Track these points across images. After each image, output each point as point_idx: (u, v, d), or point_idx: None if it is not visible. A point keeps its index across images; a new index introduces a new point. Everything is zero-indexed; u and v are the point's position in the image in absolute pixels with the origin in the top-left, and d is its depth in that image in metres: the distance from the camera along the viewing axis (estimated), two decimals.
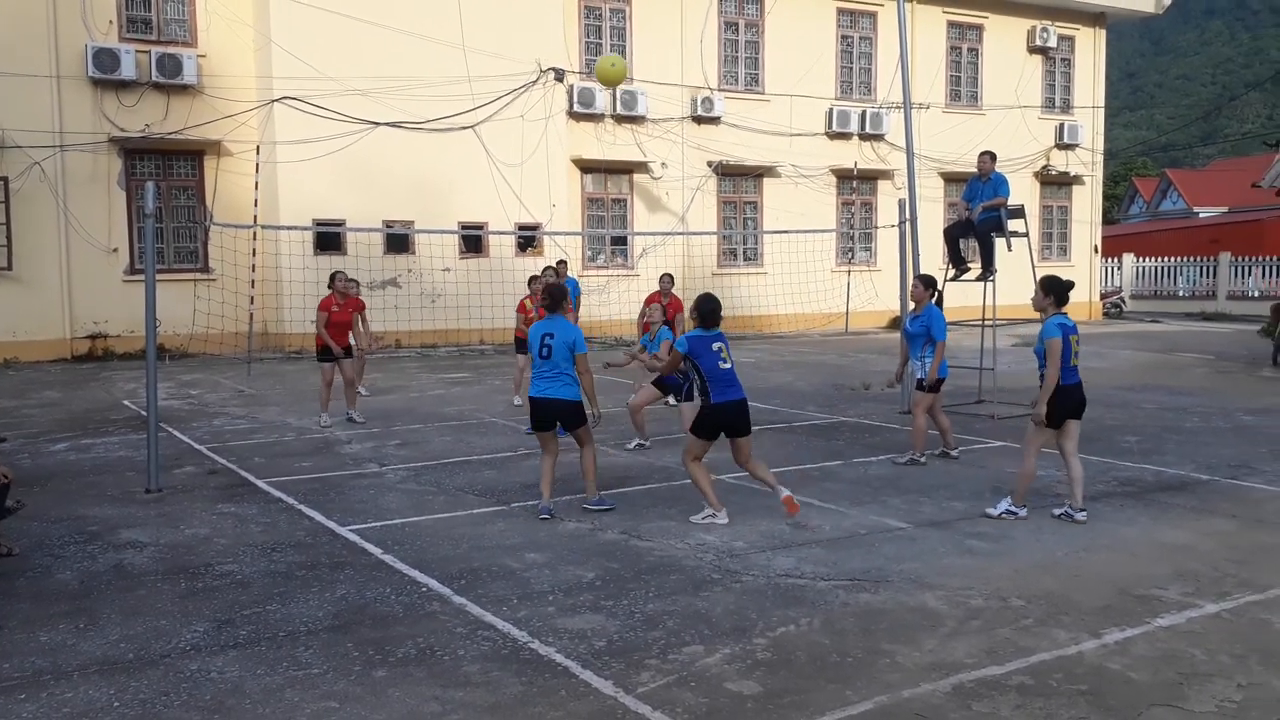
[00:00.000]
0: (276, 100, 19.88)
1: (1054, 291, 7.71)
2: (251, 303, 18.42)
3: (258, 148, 19.99)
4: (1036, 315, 7.91)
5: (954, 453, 10.03)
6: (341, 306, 12.30)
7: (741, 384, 7.75)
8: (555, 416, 7.94)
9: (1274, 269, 32.68)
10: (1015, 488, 7.75)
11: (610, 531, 7.42)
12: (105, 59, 19.19)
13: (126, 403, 14.15)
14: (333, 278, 12.50)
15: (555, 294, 8.21)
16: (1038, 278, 8.08)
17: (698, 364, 7.59)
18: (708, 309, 7.71)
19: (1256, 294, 32.67)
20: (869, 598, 5.96)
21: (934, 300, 9.96)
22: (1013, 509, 7.67)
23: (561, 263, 15.07)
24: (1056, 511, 7.71)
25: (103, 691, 4.74)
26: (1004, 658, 5.05)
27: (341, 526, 7.59)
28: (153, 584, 6.31)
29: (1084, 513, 7.63)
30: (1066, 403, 7.54)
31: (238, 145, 20.41)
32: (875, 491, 8.62)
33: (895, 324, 13.88)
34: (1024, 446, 7.81)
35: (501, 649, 5.23)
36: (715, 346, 7.60)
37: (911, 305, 10.15)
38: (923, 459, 9.70)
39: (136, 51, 19.50)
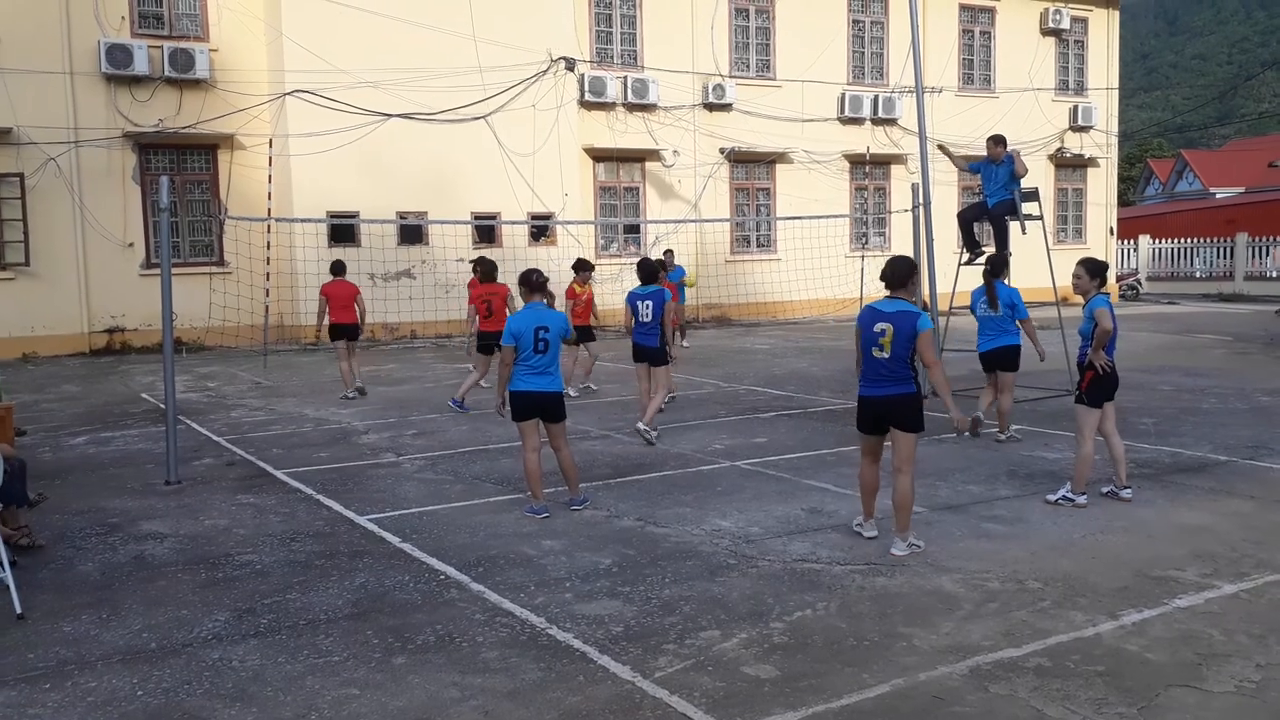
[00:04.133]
0: (288, 93, 19.93)
1: (1099, 274, 7.69)
2: (267, 295, 18.50)
3: (270, 141, 20.05)
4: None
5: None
6: None
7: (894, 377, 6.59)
8: (544, 410, 7.57)
9: None
10: (1075, 474, 7.59)
11: (626, 518, 7.44)
12: (118, 54, 19.28)
13: (145, 395, 14.24)
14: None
15: (536, 280, 7.70)
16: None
17: (860, 344, 6.63)
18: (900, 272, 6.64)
19: (1274, 274, 32.47)
20: (885, 581, 5.97)
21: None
22: (1069, 495, 7.54)
23: (668, 251, 16.31)
24: (1104, 489, 7.75)
25: (126, 681, 4.80)
26: (1021, 640, 5.06)
27: (360, 516, 7.64)
28: (173, 574, 6.37)
29: (1129, 490, 7.67)
30: (1112, 379, 7.52)
31: (251, 139, 20.49)
32: (890, 476, 8.60)
33: None
34: (1078, 432, 7.67)
35: (520, 635, 5.26)
36: (879, 327, 6.46)
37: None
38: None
39: (149, 47, 19.58)
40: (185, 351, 19.10)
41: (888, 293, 6.62)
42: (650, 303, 10.35)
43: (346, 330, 13.62)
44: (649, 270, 10.62)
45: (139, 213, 20.09)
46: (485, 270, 12.44)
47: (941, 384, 6.52)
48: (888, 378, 6.48)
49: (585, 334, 13.39)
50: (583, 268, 13.50)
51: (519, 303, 8.34)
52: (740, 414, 11.94)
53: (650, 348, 10.47)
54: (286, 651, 5.11)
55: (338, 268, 13.95)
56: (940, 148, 14.33)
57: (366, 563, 6.51)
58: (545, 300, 7.80)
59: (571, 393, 13.31)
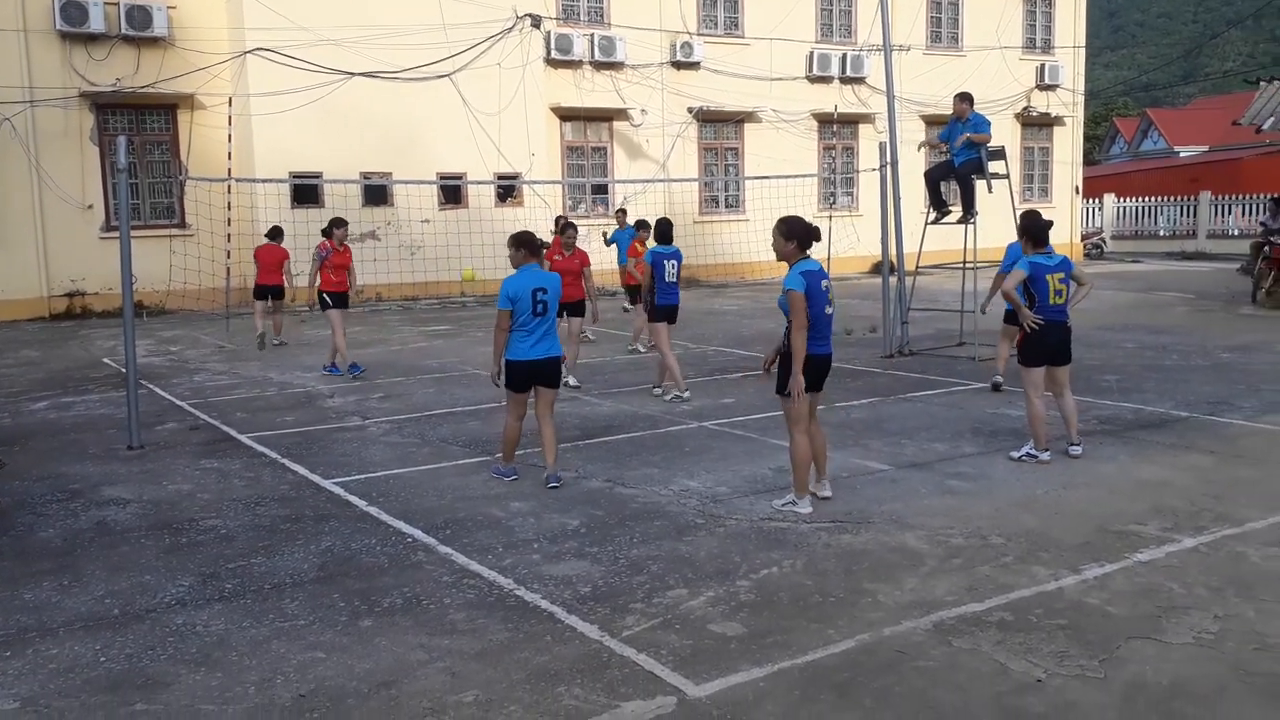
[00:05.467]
0: (249, 52, 19.57)
1: (1026, 233, 7.74)
2: (228, 257, 18.24)
3: (230, 100, 19.69)
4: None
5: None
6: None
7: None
8: (544, 378, 7.30)
9: (1253, 207, 32.73)
10: (1031, 432, 7.68)
11: (594, 480, 7.44)
12: (73, 11, 18.81)
13: (106, 360, 14.06)
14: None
15: (531, 241, 7.36)
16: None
17: (811, 308, 6.41)
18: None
19: (1236, 232, 32.75)
20: (850, 539, 6.00)
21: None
22: (1032, 452, 7.62)
23: (621, 211, 16.64)
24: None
25: (88, 647, 4.75)
26: (984, 595, 5.11)
27: (325, 480, 7.59)
28: (136, 540, 6.31)
29: (1078, 446, 7.74)
30: (1043, 341, 7.54)
31: (211, 98, 20.12)
32: (857, 435, 8.66)
33: (877, 269, 13.87)
34: (1024, 391, 7.80)
35: (487, 596, 5.26)
36: (824, 285, 6.44)
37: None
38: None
39: (105, 3, 19.11)
40: (146, 315, 18.85)
41: (794, 251, 6.54)
42: (675, 262, 10.57)
43: (270, 290, 15.05)
44: (666, 229, 10.74)
45: (97, 174, 19.73)
46: (328, 226, 12.53)
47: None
48: (829, 335, 6.62)
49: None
50: (643, 227, 13.58)
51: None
52: (708, 375, 11.95)
53: (677, 306, 10.66)
54: (251, 616, 5.08)
55: (274, 233, 15.21)
56: (922, 146, 14.31)
57: (332, 526, 6.48)
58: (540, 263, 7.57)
59: (641, 349, 13.74)
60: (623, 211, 17.90)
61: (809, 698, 4.12)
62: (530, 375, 7.24)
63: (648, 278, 10.51)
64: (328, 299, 12.22)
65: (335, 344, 12.36)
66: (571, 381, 11.05)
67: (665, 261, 10.49)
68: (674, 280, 10.58)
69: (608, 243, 16.25)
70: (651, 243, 13.34)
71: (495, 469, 7.56)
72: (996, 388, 10.41)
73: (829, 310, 6.51)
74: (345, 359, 12.33)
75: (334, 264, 12.21)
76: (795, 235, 6.51)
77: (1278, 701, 4.02)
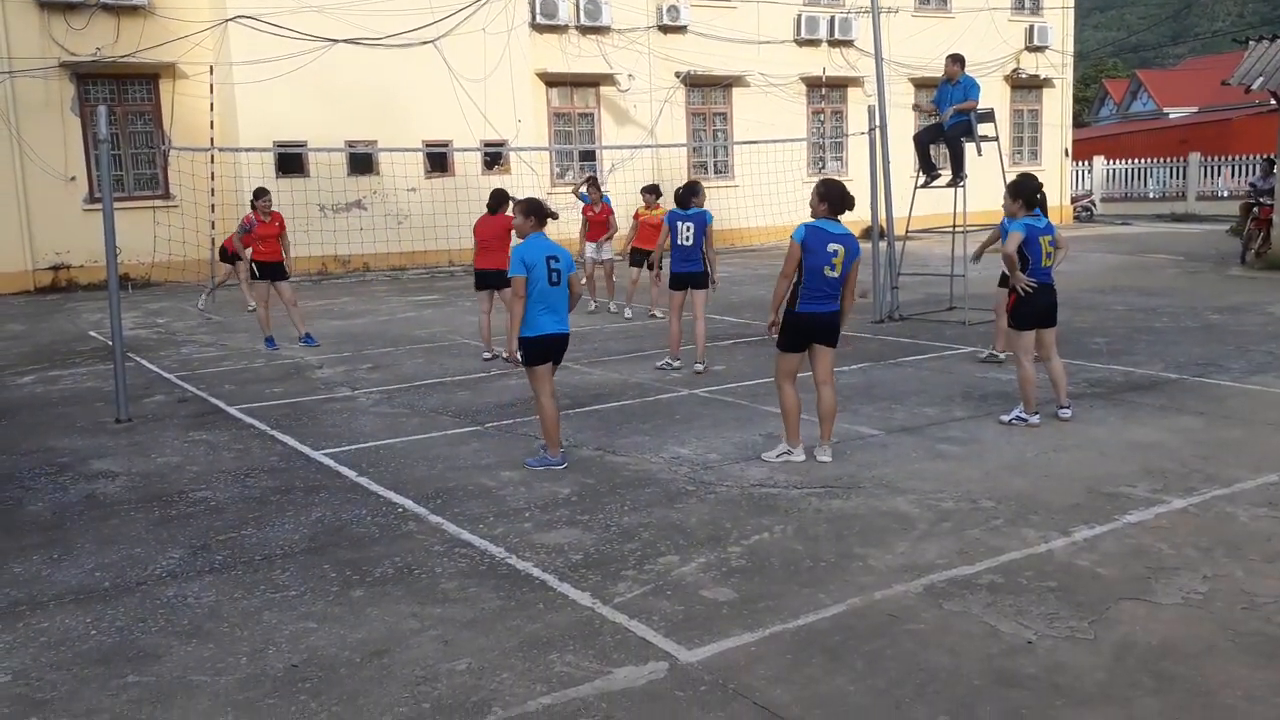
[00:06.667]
0: (231, 19, 19.34)
1: (1021, 195, 7.68)
2: (213, 228, 18.11)
3: (211, 69, 19.47)
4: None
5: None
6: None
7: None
8: (557, 353, 7.03)
9: (1243, 168, 32.71)
10: (1021, 395, 7.67)
11: (585, 448, 7.43)
12: None
13: (93, 333, 13.98)
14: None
15: (540, 209, 7.05)
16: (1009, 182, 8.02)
17: (804, 261, 6.61)
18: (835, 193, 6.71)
19: (1225, 194, 32.73)
20: (841, 504, 6.01)
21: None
22: (1022, 415, 7.62)
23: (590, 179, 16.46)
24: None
25: (79, 620, 4.74)
26: (975, 558, 5.12)
27: (315, 450, 7.56)
28: (126, 513, 6.29)
29: (1067, 409, 7.74)
30: (1035, 304, 7.54)
31: (193, 67, 19.89)
32: (847, 400, 8.64)
33: (867, 233, 13.83)
34: (1014, 354, 7.82)
35: (479, 565, 5.25)
36: (831, 247, 6.60)
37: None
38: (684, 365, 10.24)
39: None
40: (132, 287, 18.71)
41: (825, 213, 6.70)
42: (692, 225, 9.94)
43: (223, 253, 15.94)
44: (682, 193, 10.28)
45: (80, 145, 19.53)
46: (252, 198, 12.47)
47: (852, 304, 6.89)
48: (831, 296, 6.72)
49: (646, 256, 13.61)
50: (652, 190, 13.63)
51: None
52: None
53: (692, 273, 10.13)
54: (243, 587, 5.07)
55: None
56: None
57: (323, 497, 6.46)
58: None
59: (627, 313, 14.13)
60: (592, 179, 17.55)
61: (800, 661, 4.13)
62: (547, 350, 6.92)
63: (663, 240, 10.38)
64: (255, 269, 12.38)
65: (259, 314, 12.48)
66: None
67: (678, 223, 10.04)
68: (689, 244, 10.03)
69: (580, 198, 16.17)
70: (649, 211, 13.73)
71: (540, 461, 6.96)
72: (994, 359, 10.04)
73: (829, 273, 6.63)
74: (265, 329, 12.34)
75: (259, 235, 12.18)
76: (829, 199, 6.72)
77: (1266, 660, 4.05)
